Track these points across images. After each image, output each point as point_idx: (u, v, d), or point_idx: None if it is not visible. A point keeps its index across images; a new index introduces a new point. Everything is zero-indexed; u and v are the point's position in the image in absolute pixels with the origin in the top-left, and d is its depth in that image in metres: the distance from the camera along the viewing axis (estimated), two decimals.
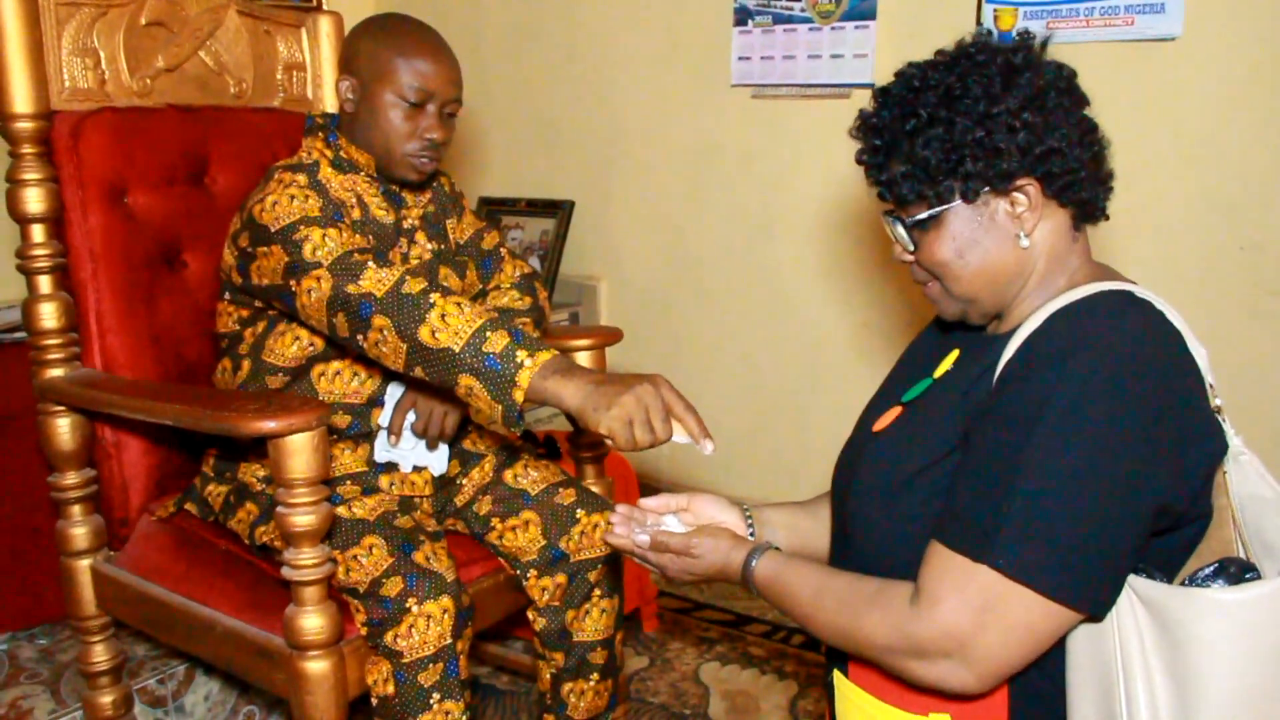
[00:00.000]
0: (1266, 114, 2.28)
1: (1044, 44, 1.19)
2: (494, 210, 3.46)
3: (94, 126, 1.84)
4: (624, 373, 1.45)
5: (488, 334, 1.44)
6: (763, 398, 3.09)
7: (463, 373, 1.44)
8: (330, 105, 2.18)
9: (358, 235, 1.62)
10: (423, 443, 1.76)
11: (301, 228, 1.59)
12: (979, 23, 2.54)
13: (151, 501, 1.90)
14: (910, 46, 2.75)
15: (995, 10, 2.52)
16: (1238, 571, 1.04)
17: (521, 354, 1.42)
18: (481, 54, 3.43)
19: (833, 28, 2.78)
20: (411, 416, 1.73)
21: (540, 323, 1.91)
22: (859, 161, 1.24)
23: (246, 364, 1.75)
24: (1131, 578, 1.07)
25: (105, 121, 1.86)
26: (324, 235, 1.58)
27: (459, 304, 1.48)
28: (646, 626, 2.65)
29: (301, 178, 1.68)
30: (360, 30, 1.77)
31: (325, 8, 2.19)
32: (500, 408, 1.43)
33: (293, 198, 1.64)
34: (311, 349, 1.72)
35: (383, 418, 1.74)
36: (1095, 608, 1.06)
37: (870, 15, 2.71)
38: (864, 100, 2.79)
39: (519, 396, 1.41)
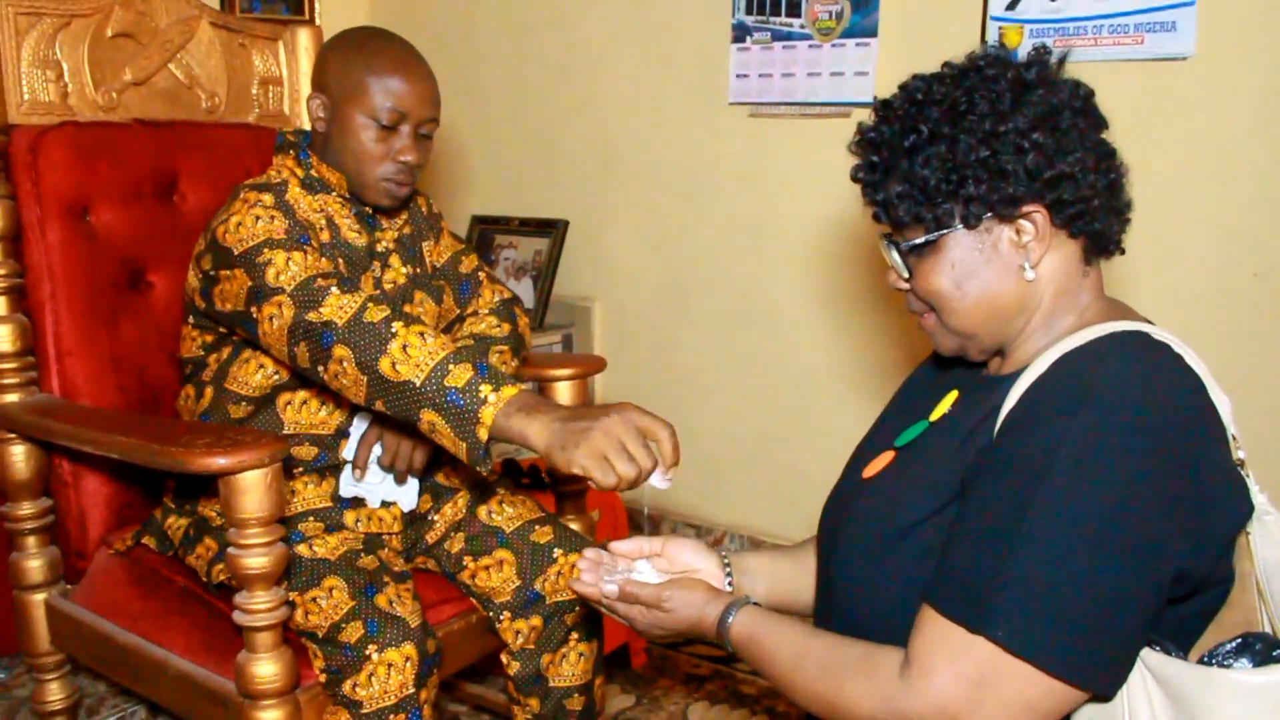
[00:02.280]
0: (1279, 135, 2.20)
1: (1061, 60, 1.10)
2: (487, 229, 3.38)
3: (54, 141, 1.77)
4: (593, 405, 1.36)
5: (450, 367, 1.35)
6: (757, 424, 2.99)
7: (425, 408, 1.35)
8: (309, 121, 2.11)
9: (325, 259, 1.53)
10: (391, 477, 1.67)
11: (265, 250, 1.51)
12: (984, 40, 2.45)
13: (110, 533, 1.81)
14: (913, 65, 2.65)
15: (1001, 28, 2.43)
16: (1264, 650, 0.94)
17: (485, 389, 1.33)
18: (475, 69, 3.36)
19: (833, 45, 2.69)
20: (378, 450, 1.65)
21: (519, 350, 1.82)
22: (854, 179, 1.14)
23: (209, 392, 1.67)
24: (1144, 652, 0.97)
25: (67, 136, 1.78)
26: (288, 259, 1.49)
27: (422, 334, 1.39)
28: (634, 663, 2.55)
29: (268, 198, 1.60)
30: (332, 45, 1.69)
31: (314, 21, 2.11)
32: (465, 445, 1.34)
33: (258, 219, 1.55)
34: (277, 377, 1.63)
35: (347, 450, 1.65)
36: (1104, 686, 0.96)
37: (871, 32, 2.63)
38: (865, 119, 2.74)
39: (483, 434, 1.32)
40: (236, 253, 1.52)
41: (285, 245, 1.51)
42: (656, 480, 1.28)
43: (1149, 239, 2.32)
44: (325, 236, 1.65)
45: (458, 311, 1.85)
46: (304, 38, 2.13)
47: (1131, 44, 2.29)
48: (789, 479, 2.95)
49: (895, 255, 1.12)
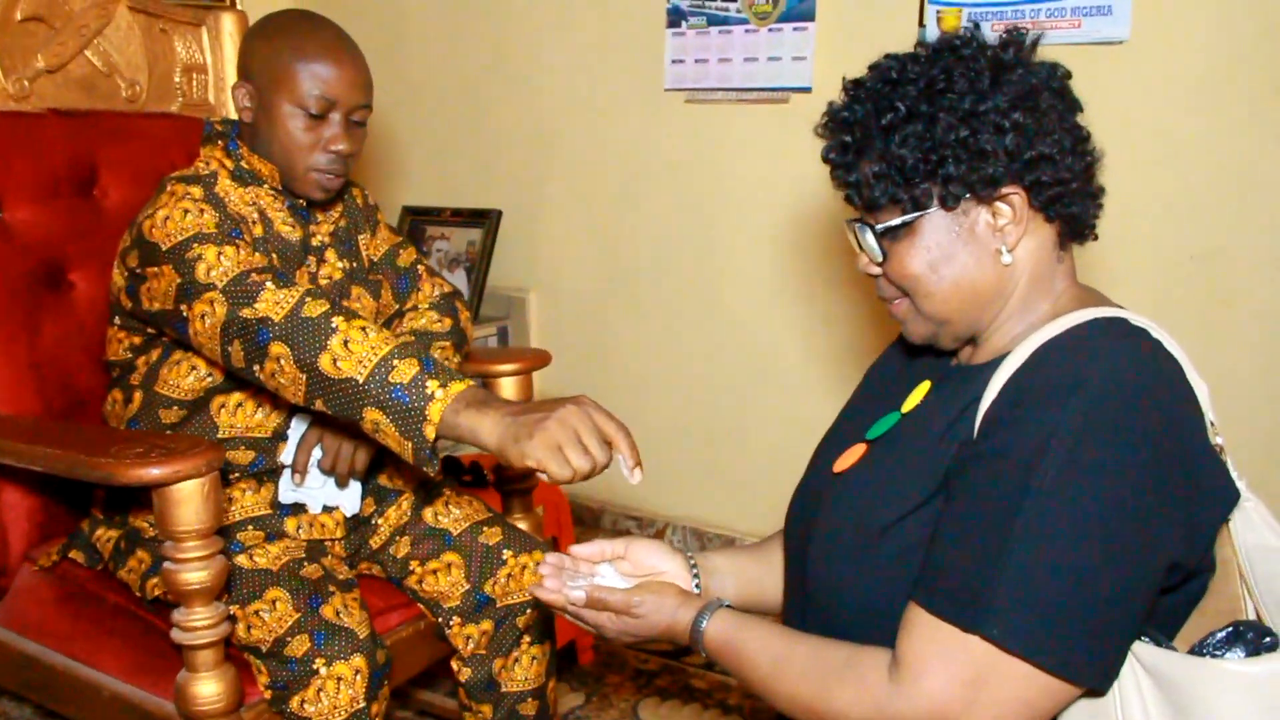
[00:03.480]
0: (1215, 118, 2.22)
1: (1035, 43, 1.07)
2: (418, 220, 3.30)
3: None
4: (545, 398, 1.30)
5: (395, 362, 1.29)
6: (703, 416, 2.97)
7: (368, 405, 1.29)
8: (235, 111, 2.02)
9: (258, 254, 1.46)
10: (332, 480, 1.61)
11: (195, 245, 1.43)
12: (922, 24, 2.44)
13: (33, 548, 1.72)
14: (850, 49, 2.67)
15: (939, 11, 2.42)
16: (1255, 638, 0.93)
17: (432, 385, 1.27)
18: (405, 56, 3.27)
19: (770, 29, 2.66)
20: (318, 452, 1.58)
21: (461, 346, 1.77)
22: (825, 160, 1.10)
23: (139, 396, 1.59)
24: (1135, 644, 0.95)
25: None
26: (219, 254, 1.42)
27: (364, 329, 1.33)
28: (582, 659, 2.51)
29: (196, 190, 1.52)
30: (255, 30, 1.61)
31: (236, 5, 2.02)
32: (410, 445, 1.28)
33: (186, 212, 1.47)
34: (210, 379, 1.56)
35: (285, 454, 1.58)
36: (1099, 681, 0.95)
37: (809, 17, 2.60)
38: (803, 105, 2.71)
39: (430, 433, 1.26)
40: (164, 248, 1.44)
41: (216, 240, 1.44)
42: (626, 474, 1.23)
43: None
44: (258, 231, 1.57)
45: (396, 307, 1.78)
46: (228, 23, 2.04)
47: (1069, 27, 2.29)
48: (735, 471, 2.93)
49: (870, 238, 1.08)
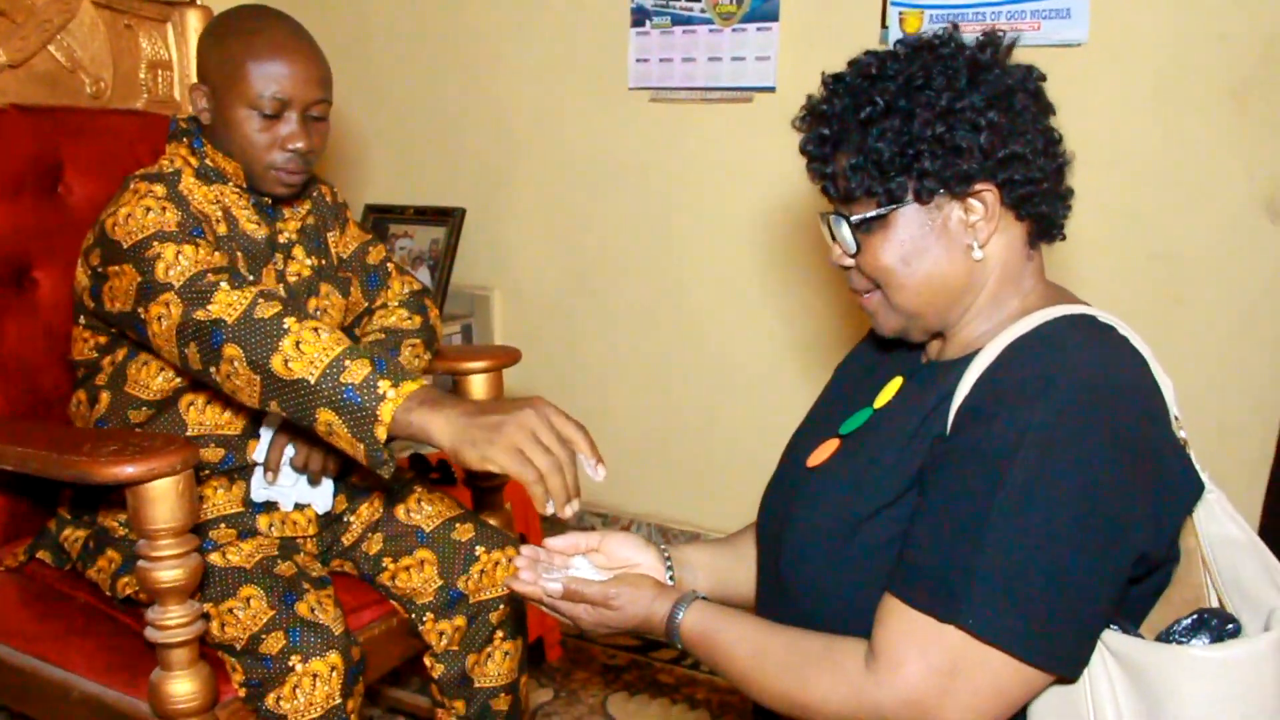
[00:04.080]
0: (1172, 120, 2.26)
1: (1011, 45, 1.10)
2: (381, 218, 3.28)
3: None
4: (499, 399, 1.30)
5: (347, 363, 1.28)
6: (669, 413, 2.98)
7: (320, 406, 1.28)
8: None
9: (219, 254, 1.45)
10: (304, 478, 1.60)
11: (155, 244, 1.41)
12: (884, 25, 2.47)
13: None
14: (814, 49, 2.71)
15: (901, 13, 2.45)
16: (1219, 625, 0.96)
17: (384, 384, 1.26)
18: (368, 53, 3.26)
19: (734, 29, 2.68)
20: (290, 450, 1.58)
21: (432, 344, 1.77)
22: (803, 151, 1.12)
23: (105, 396, 1.57)
24: (1104, 632, 0.98)
25: None
26: (178, 253, 1.40)
27: (316, 329, 1.32)
28: (550, 655, 2.52)
29: (159, 188, 1.50)
30: (208, 30, 1.59)
31: (194, 2, 2.00)
32: (362, 446, 1.27)
33: (148, 210, 1.46)
34: (179, 380, 1.55)
35: (258, 453, 1.58)
36: (1072, 669, 0.97)
37: (773, 17, 2.63)
38: (768, 104, 2.72)
39: (381, 433, 1.25)
40: (125, 246, 1.43)
41: (176, 238, 1.42)
42: (590, 473, 1.23)
43: None
44: (222, 229, 1.56)
45: (365, 304, 1.78)
46: (193, 19, 2.02)
47: (1029, 30, 2.33)
48: (700, 467, 2.95)
49: (845, 230, 1.10)
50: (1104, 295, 2.32)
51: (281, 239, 1.65)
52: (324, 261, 1.71)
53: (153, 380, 1.54)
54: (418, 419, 1.24)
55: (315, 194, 1.74)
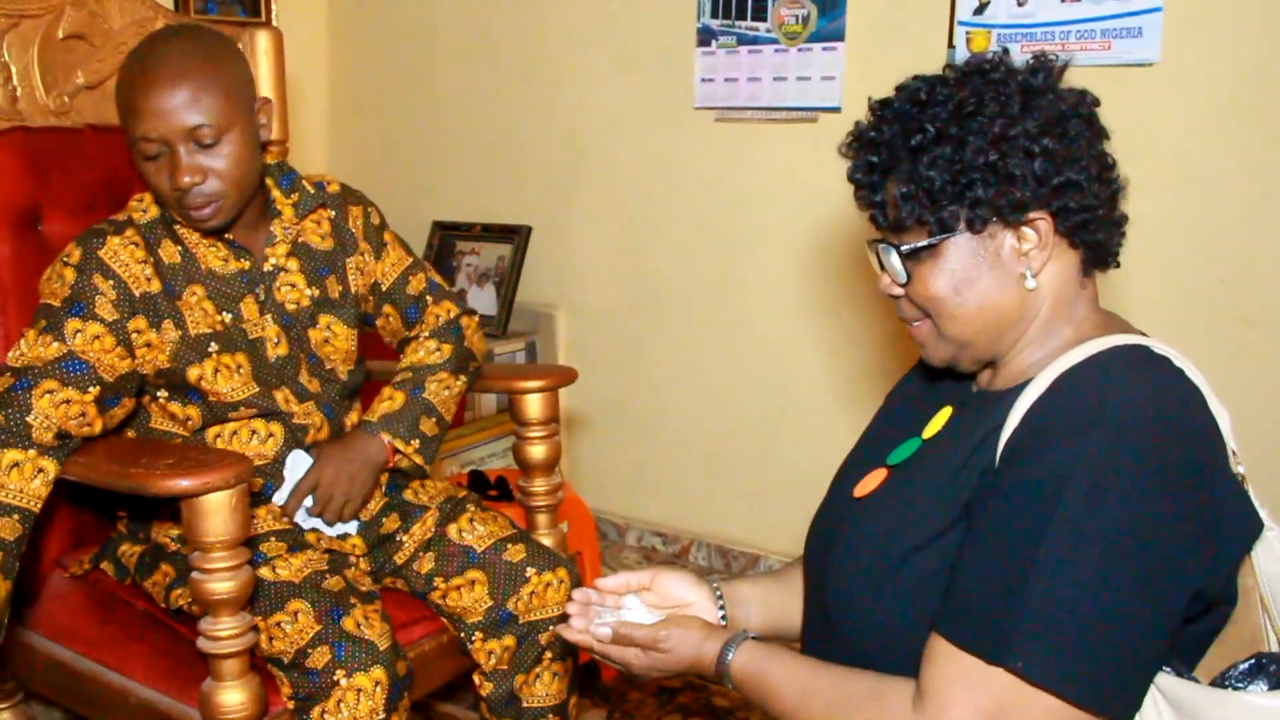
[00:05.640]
0: (1245, 140, 2.21)
1: (1063, 68, 1.07)
2: (448, 234, 3.33)
3: (3, 147, 1.70)
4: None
5: None
6: (729, 433, 2.97)
7: None
8: (275, 131, 2.03)
9: (86, 335, 1.46)
10: (319, 520, 1.64)
11: (40, 316, 1.48)
12: (951, 44, 2.45)
13: (65, 554, 1.75)
14: (880, 69, 2.66)
15: (968, 32, 2.43)
16: (1278, 671, 0.93)
17: None
18: (436, 72, 3.31)
19: (799, 49, 2.67)
20: (309, 501, 1.62)
21: (463, 368, 1.77)
22: (851, 180, 1.11)
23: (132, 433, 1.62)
24: (1157, 674, 0.95)
25: (15, 142, 1.72)
26: (39, 335, 1.46)
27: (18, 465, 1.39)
28: (604, 676, 2.51)
29: (76, 253, 1.50)
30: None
31: (270, 22, 2.04)
32: None
33: (59, 277, 1.50)
34: (191, 422, 1.59)
35: (279, 495, 1.61)
36: (1122, 712, 0.95)
37: (839, 37, 2.61)
38: (832, 125, 2.71)
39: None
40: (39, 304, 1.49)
41: (49, 314, 1.47)
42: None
43: None
44: (155, 286, 1.52)
45: (405, 334, 1.80)
46: (263, 40, 2.05)
47: (1099, 50, 2.29)
48: (760, 488, 2.93)
49: (894, 259, 1.08)
50: (1173, 319, 2.28)
51: (267, 266, 1.61)
52: (320, 292, 1.66)
53: (171, 426, 1.60)
54: None
55: (338, 218, 1.70)
